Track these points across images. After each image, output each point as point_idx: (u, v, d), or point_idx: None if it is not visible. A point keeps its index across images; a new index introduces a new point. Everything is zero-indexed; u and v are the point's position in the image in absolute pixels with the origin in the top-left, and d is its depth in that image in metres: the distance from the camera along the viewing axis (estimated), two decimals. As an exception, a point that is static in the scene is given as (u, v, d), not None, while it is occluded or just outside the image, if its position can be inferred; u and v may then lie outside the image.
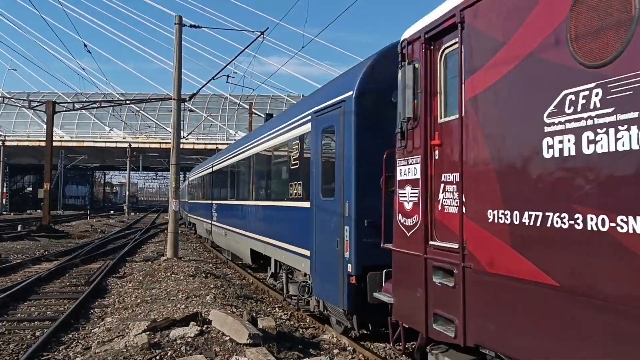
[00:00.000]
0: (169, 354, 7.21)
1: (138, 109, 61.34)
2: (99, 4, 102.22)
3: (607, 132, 3.50)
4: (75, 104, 40.65)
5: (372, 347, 8.76)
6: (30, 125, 70.15)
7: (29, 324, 10.42)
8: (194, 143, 63.81)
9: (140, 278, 15.43)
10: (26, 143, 67.25)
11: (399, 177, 6.23)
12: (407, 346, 6.22)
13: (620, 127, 3.41)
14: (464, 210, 4.94)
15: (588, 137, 3.64)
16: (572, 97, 3.78)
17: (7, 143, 64.02)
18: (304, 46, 21.20)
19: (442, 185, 5.44)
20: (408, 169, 6.02)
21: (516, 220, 4.28)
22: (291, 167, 11.12)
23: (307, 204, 9.72)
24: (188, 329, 8.14)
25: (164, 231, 33.39)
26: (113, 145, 68.51)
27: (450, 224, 5.25)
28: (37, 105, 37.69)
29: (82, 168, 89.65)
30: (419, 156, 5.76)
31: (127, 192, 75.72)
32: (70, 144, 67.69)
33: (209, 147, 62.69)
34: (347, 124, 8.22)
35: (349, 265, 7.97)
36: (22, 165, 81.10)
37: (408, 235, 5.94)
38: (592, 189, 3.61)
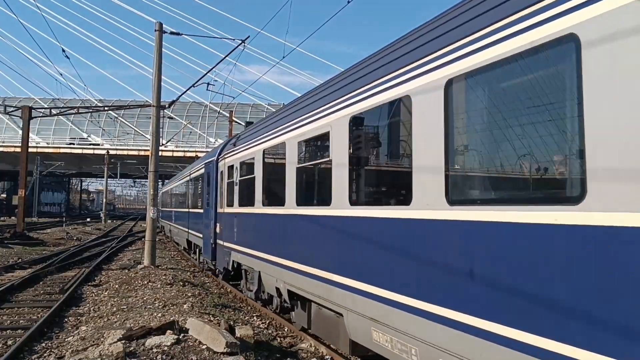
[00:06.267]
0: (144, 363, 7.12)
1: (116, 116, 60.77)
2: (77, 9, 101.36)
3: None
4: (52, 110, 40.12)
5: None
6: (5, 131, 69.01)
7: (0, 332, 10.20)
8: (173, 150, 63.34)
9: (117, 286, 15.23)
10: (1, 149, 66.08)
11: None
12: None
13: None
14: None
15: None
16: None
17: (-19, 148, 62.85)
18: (285, 56, 21.06)
19: None
20: None
21: None
22: None
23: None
24: (164, 338, 8.06)
25: (141, 239, 33.02)
26: (90, 151, 67.70)
27: None
28: (12, 111, 37.18)
29: (59, 175, 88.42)
30: None
31: (104, 200, 74.72)
32: (46, 150, 66.69)
33: (188, 154, 62.29)
34: None
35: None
36: (-4, 171, 79.66)
37: None
38: None
